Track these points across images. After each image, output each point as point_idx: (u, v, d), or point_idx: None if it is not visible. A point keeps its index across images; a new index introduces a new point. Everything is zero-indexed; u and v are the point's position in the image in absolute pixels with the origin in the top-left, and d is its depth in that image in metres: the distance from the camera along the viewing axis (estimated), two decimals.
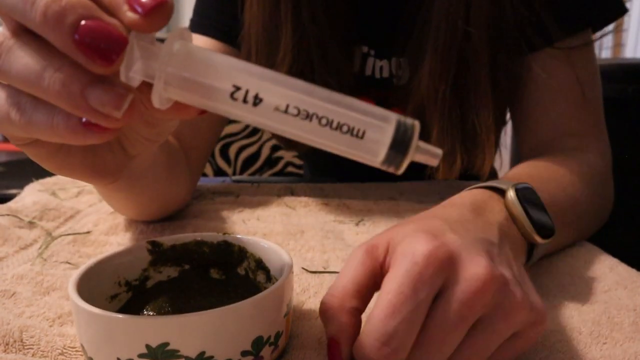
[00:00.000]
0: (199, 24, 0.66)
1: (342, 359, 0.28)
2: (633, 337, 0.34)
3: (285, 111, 0.22)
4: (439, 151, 0.24)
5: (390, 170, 0.23)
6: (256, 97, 0.22)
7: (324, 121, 0.22)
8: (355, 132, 0.22)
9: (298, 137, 0.23)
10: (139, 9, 0.22)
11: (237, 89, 0.22)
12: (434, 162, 0.23)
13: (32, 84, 0.23)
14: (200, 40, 0.65)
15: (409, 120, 0.23)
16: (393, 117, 0.23)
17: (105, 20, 0.22)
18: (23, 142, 0.27)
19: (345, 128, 0.22)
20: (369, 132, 0.23)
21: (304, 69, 0.60)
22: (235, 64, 0.23)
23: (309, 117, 0.22)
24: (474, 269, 0.27)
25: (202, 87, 0.23)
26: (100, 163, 0.31)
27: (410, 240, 0.28)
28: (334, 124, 0.22)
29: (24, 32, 0.23)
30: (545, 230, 0.37)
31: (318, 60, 0.60)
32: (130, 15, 0.22)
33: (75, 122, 0.23)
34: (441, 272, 0.27)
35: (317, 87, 0.23)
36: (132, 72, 0.23)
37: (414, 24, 0.59)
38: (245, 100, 0.22)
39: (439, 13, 0.55)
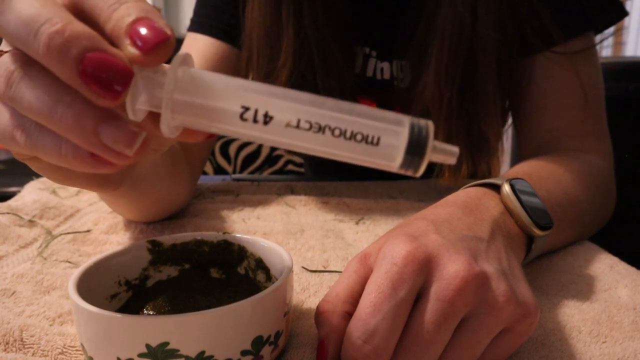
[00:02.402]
0: (199, 24, 0.66)
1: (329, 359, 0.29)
2: (633, 336, 0.34)
3: (297, 126, 0.22)
4: (455, 149, 0.23)
5: (409, 173, 0.23)
6: (266, 115, 0.22)
7: (337, 132, 0.22)
8: (370, 139, 0.22)
9: (313, 151, 0.23)
10: (141, 45, 0.21)
11: (246, 109, 0.22)
12: (451, 160, 0.23)
13: (44, 117, 0.22)
14: (200, 40, 0.65)
15: (422, 121, 0.23)
16: (406, 120, 0.23)
17: (110, 51, 0.21)
18: (26, 157, 0.27)
19: (359, 137, 0.22)
20: (383, 137, 0.22)
21: (305, 72, 0.60)
22: (241, 84, 0.23)
23: (321, 129, 0.22)
24: (453, 267, 0.28)
25: (211, 111, 0.22)
26: (102, 173, 0.31)
27: (390, 243, 0.29)
28: (348, 134, 0.22)
29: (33, 60, 0.23)
30: (542, 222, 0.37)
31: (319, 63, 0.60)
32: (131, 50, 0.22)
33: (85, 153, 0.23)
34: (420, 272, 0.28)
35: (326, 98, 0.22)
36: (139, 104, 0.23)
37: (415, 26, 0.59)
38: (255, 120, 0.22)
39: (445, 15, 0.54)
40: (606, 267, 0.45)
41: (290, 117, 0.22)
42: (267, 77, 0.61)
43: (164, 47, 0.22)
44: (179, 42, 0.75)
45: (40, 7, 0.21)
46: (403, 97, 0.64)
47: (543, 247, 0.40)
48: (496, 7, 0.54)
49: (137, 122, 0.23)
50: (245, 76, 0.65)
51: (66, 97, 0.22)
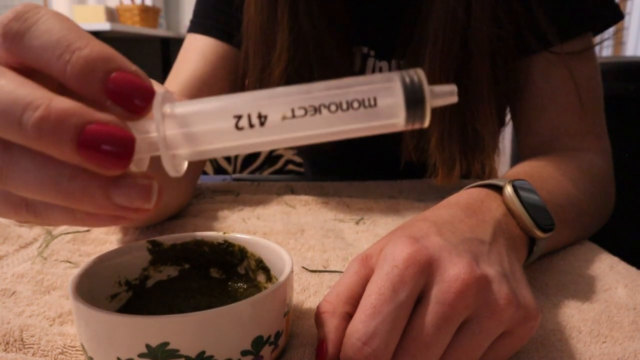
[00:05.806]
0: (198, 25, 0.66)
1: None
2: (633, 336, 0.34)
3: (293, 116, 0.22)
4: (452, 87, 0.23)
5: (417, 126, 0.23)
6: (259, 116, 0.22)
7: (333, 107, 0.22)
8: (367, 102, 0.22)
9: (316, 137, 0.22)
10: (132, 110, 0.21)
11: (239, 117, 0.22)
12: (453, 99, 0.23)
13: (47, 195, 0.21)
14: (200, 41, 0.65)
15: (411, 71, 0.23)
16: (395, 75, 0.23)
17: (103, 120, 0.20)
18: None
19: (356, 104, 0.22)
20: (379, 97, 0.22)
21: (300, 68, 0.60)
22: (225, 98, 0.22)
23: (317, 110, 0.22)
24: (454, 270, 0.28)
25: (207, 135, 0.22)
26: None
27: (392, 245, 0.29)
28: (344, 105, 0.22)
29: (12, 144, 0.21)
30: (544, 224, 0.37)
31: (316, 60, 0.60)
32: (119, 110, 0.21)
33: (102, 215, 0.22)
34: (421, 274, 0.27)
35: (310, 84, 0.22)
36: (137, 153, 0.22)
37: (413, 25, 0.59)
38: (251, 125, 0.22)
39: (438, 12, 0.54)
40: (606, 267, 0.45)
41: (284, 109, 0.22)
42: (262, 72, 0.61)
43: (152, 100, 0.21)
44: (179, 42, 0.75)
45: (15, 90, 0.20)
46: None
47: (544, 248, 0.40)
48: (491, 3, 0.54)
49: (145, 173, 0.22)
50: (243, 73, 0.65)
51: (65, 170, 0.21)
